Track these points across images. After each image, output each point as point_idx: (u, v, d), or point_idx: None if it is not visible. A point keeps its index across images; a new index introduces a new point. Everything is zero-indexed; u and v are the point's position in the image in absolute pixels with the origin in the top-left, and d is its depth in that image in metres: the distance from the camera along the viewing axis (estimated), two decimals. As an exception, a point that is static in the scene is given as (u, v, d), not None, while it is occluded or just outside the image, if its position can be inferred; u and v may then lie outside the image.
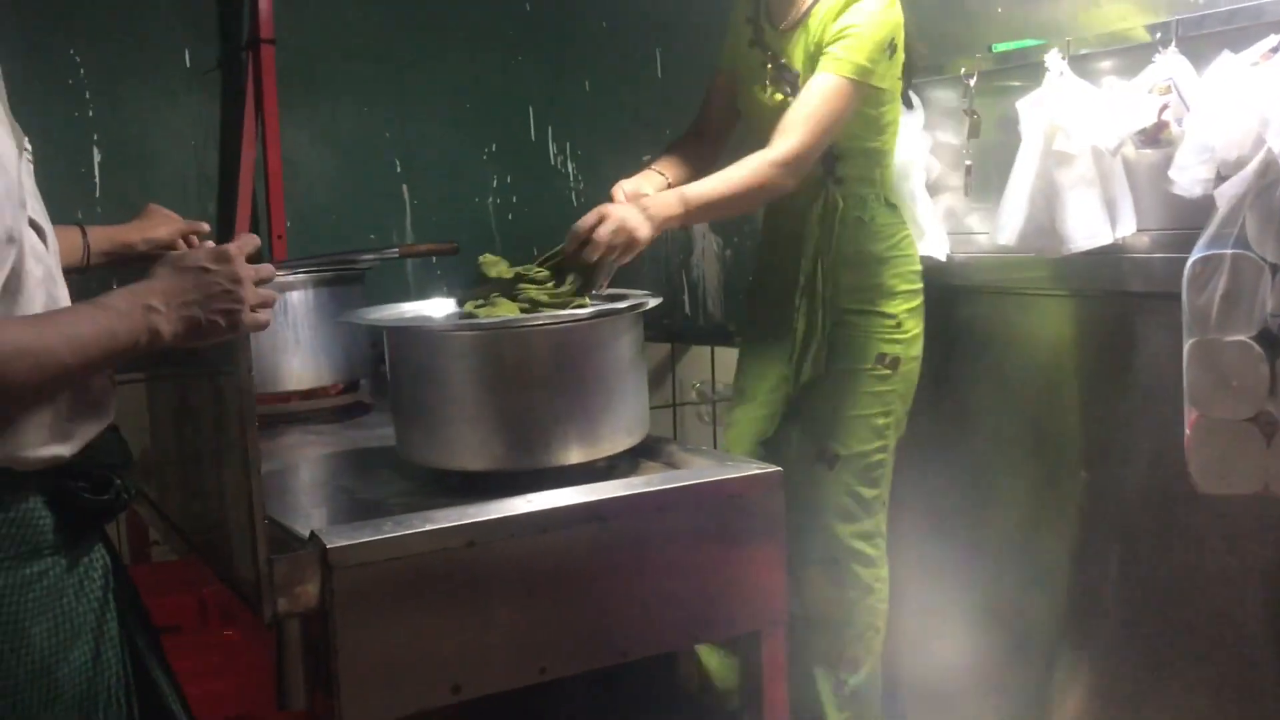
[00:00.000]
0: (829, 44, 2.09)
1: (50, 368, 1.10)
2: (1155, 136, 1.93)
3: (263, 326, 1.27)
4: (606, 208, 1.91)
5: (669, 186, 2.15)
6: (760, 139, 2.15)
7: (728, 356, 2.92)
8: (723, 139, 2.39)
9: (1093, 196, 2.05)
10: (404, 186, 2.99)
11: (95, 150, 2.63)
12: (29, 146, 1.27)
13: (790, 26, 2.19)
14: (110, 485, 1.24)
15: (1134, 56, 2.00)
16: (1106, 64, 2.09)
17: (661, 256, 3.30)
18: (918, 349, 2.27)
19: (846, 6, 2.09)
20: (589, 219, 1.88)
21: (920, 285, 2.28)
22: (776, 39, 2.22)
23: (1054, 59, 2.07)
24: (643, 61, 3.27)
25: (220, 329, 1.23)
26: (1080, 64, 2.08)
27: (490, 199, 3.11)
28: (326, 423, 2.35)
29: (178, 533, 1.95)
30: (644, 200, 1.96)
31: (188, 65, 2.77)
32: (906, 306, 2.23)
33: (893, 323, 2.22)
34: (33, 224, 1.23)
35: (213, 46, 2.80)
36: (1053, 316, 2.28)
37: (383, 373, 2.59)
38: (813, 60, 2.13)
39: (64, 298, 1.26)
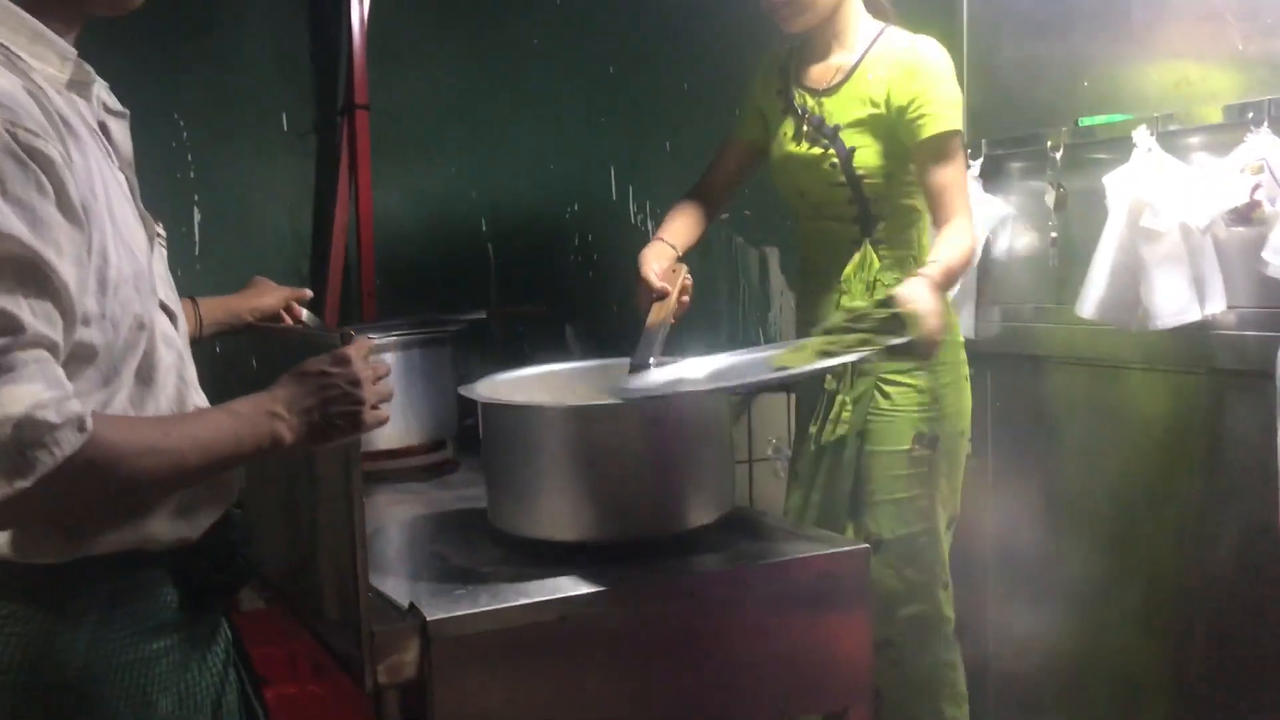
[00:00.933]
0: (914, 103, 2.07)
1: (175, 468, 1.14)
2: (1247, 216, 1.93)
3: (383, 422, 1.32)
4: (925, 291, 1.84)
5: (679, 258, 2.16)
6: (793, 184, 2.22)
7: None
8: (724, 204, 2.41)
9: (1181, 273, 2.05)
10: (489, 245, 3.05)
11: (195, 210, 2.74)
12: (162, 233, 1.34)
13: (830, 88, 2.19)
14: (233, 563, 1.29)
15: (1224, 135, 2.00)
16: (1195, 140, 2.09)
17: (739, 313, 3.34)
18: (962, 424, 2.21)
19: (916, 65, 2.08)
20: (918, 294, 1.82)
21: (962, 357, 2.22)
22: (811, 99, 2.22)
23: (1143, 135, 2.08)
24: (722, 122, 3.30)
25: (342, 430, 1.27)
26: (1169, 140, 2.09)
27: (571, 257, 3.17)
28: (415, 481, 2.40)
29: (267, 582, 2.00)
30: (926, 289, 1.87)
31: (285, 128, 2.86)
32: (945, 380, 2.18)
33: (928, 398, 2.16)
34: (164, 308, 1.29)
35: (309, 109, 2.89)
36: (1139, 390, 2.27)
37: (468, 428, 2.65)
38: (877, 122, 2.12)
39: (194, 380, 1.32)
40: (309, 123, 2.88)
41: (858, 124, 2.14)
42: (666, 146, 3.27)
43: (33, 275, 1.04)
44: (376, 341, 2.37)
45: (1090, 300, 2.18)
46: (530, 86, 3.11)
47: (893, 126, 2.11)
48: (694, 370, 1.92)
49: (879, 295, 2.13)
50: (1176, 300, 2.05)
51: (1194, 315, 2.05)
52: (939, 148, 2.06)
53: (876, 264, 2.17)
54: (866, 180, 2.14)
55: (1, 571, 1.13)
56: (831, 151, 2.16)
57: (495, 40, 3.06)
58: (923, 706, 2.24)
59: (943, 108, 2.07)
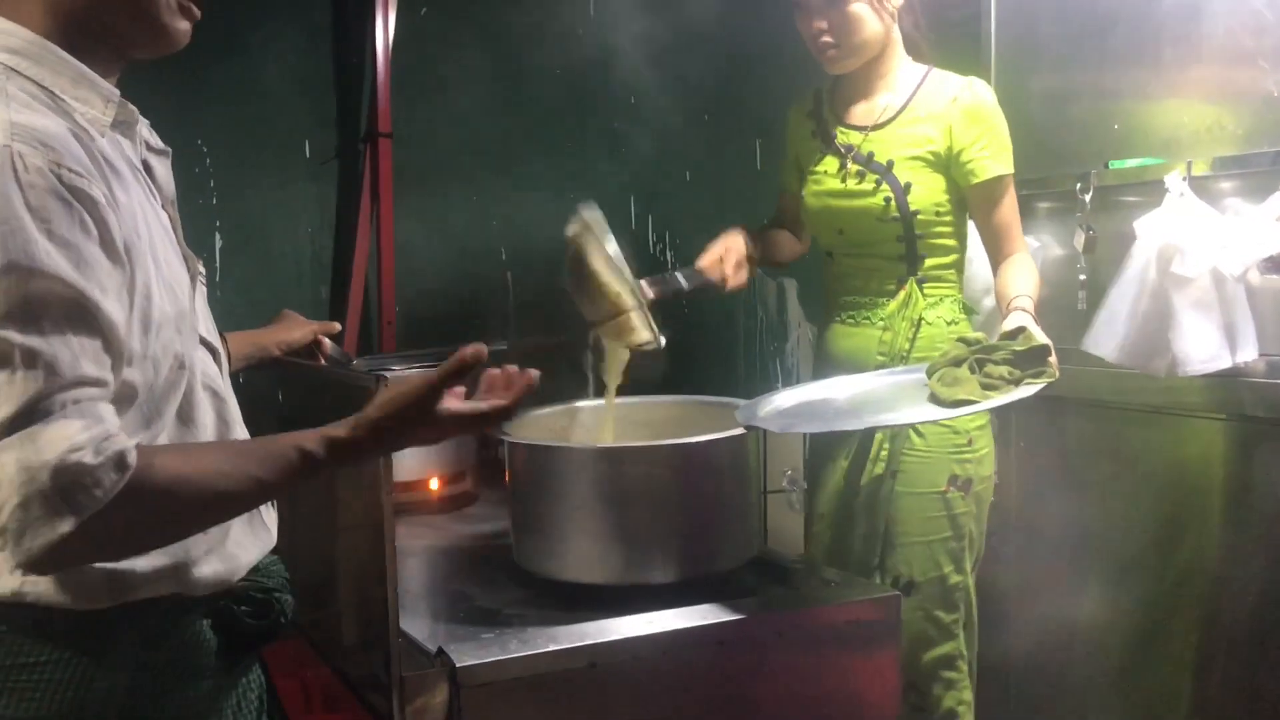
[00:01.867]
0: (973, 145, 2.11)
1: (223, 492, 1.12)
2: (1281, 264, 1.92)
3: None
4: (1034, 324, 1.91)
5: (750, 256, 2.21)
6: (831, 222, 2.23)
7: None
8: (805, 240, 2.46)
9: (1211, 320, 2.03)
10: (509, 275, 3.05)
11: (218, 235, 2.74)
12: (203, 270, 1.33)
13: (878, 125, 2.19)
14: (271, 609, 1.28)
15: (1258, 180, 1.99)
16: (1228, 186, 2.08)
17: (757, 344, 3.33)
18: (989, 468, 2.21)
19: (978, 108, 2.12)
20: (1029, 333, 1.86)
21: None
22: (856, 135, 2.22)
23: (1175, 180, 2.07)
24: (742, 153, 3.32)
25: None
26: (1201, 185, 2.07)
27: (591, 287, 3.16)
28: (435, 514, 2.39)
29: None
30: (1023, 313, 1.97)
31: (307, 155, 2.86)
32: (977, 423, 2.17)
33: (963, 440, 2.15)
34: (207, 344, 1.28)
35: (331, 136, 2.89)
36: (1167, 436, 2.25)
37: (487, 459, 2.64)
38: (934, 160, 2.13)
39: (236, 419, 1.31)
40: (331, 150, 2.88)
41: (913, 160, 2.15)
42: (687, 176, 3.27)
43: (79, 315, 1.04)
44: (398, 371, 2.36)
45: (1115, 344, 2.16)
46: (551, 116, 3.11)
47: (947, 166, 2.14)
48: (826, 394, 1.95)
49: (926, 335, 2.16)
50: (1207, 347, 2.04)
51: (1224, 363, 2.03)
52: (998, 189, 2.12)
53: (921, 302, 2.18)
54: (919, 217, 2.15)
55: (40, 617, 1.12)
56: (885, 187, 2.16)
57: (517, 70, 3.06)
58: None
59: (1002, 151, 2.12)
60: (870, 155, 2.18)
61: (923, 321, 2.17)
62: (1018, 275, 2.09)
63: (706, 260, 2.15)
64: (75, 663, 1.12)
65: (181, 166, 1.22)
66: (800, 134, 2.34)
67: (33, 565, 1.03)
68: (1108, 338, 2.17)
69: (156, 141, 1.29)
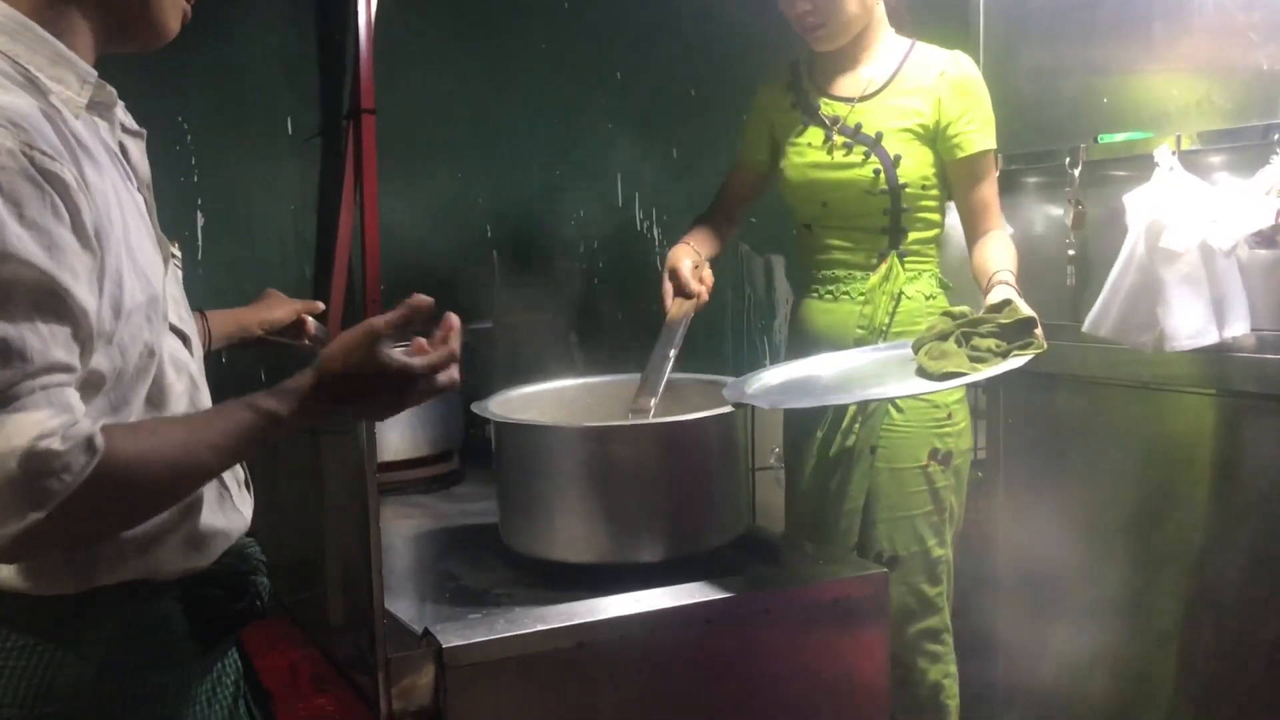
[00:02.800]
0: (960, 119, 2.10)
1: (191, 463, 1.10)
2: (1272, 238, 1.91)
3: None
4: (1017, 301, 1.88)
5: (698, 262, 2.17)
6: (814, 194, 2.20)
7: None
8: (738, 226, 2.43)
9: (1200, 295, 2.03)
10: (494, 252, 3.02)
11: (199, 214, 2.70)
12: (177, 254, 1.31)
13: (865, 97, 2.17)
14: (245, 592, 1.26)
15: (1248, 155, 1.98)
16: (1218, 160, 2.07)
17: (745, 320, 3.31)
18: (968, 441, 2.22)
19: (964, 82, 2.12)
20: (1014, 305, 1.84)
21: None
22: (842, 107, 2.19)
23: (1164, 154, 2.06)
24: (728, 129, 3.28)
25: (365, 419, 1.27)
26: (1191, 159, 2.06)
27: (577, 264, 3.14)
28: (421, 493, 2.38)
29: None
30: (1007, 287, 1.96)
31: (290, 132, 2.82)
32: (955, 397, 2.18)
33: (943, 414, 2.16)
34: (178, 331, 1.26)
35: (314, 113, 2.85)
36: (1154, 411, 2.25)
37: (473, 438, 2.63)
38: (922, 133, 2.13)
39: (207, 405, 1.28)
40: (314, 127, 2.84)
41: (903, 133, 2.14)
42: (673, 153, 3.24)
43: (50, 300, 1.01)
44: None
45: (1105, 320, 2.16)
46: (537, 92, 3.08)
47: (934, 139, 2.13)
48: (813, 370, 1.94)
49: (905, 309, 2.15)
50: (1194, 322, 2.03)
51: (1212, 338, 2.03)
52: (982, 164, 2.12)
53: (902, 276, 2.17)
54: (907, 190, 2.14)
55: (10, 604, 1.10)
56: (874, 159, 2.14)
57: (502, 45, 3.03)
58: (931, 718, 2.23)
59: (986, 125, 2.12)
60: (858, 127, 2.16)
61: (902, 295, 2.16)
62: (997, 250, 2.09)
63: (670, 305, 2.10)
64: (41, 649, 1.11)
65: (162, 144, 1.21)
66: (777, 107, 2.31)
67: (5, 554, 1.01)
68: (1105, 316, 2.16)
69: (131, 123, 1.26)
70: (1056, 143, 2.34)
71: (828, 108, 2.21)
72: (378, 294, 2.84)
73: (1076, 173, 2.26)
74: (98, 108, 1.17)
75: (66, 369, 1.03)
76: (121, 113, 1.24)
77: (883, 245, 2.18)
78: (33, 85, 1.09)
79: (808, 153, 2.22)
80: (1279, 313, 1.99)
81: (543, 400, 2.02)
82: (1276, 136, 1.91)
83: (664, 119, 3.22)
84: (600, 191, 3.17)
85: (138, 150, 1.24)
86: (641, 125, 3.19)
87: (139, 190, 1.21)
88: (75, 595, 1.12)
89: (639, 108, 3.18)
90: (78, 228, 1.04)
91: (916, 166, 2.13)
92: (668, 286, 2.12)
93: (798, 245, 2.34)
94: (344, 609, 1.77)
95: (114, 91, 1.19)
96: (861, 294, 2.19)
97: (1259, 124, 1.96)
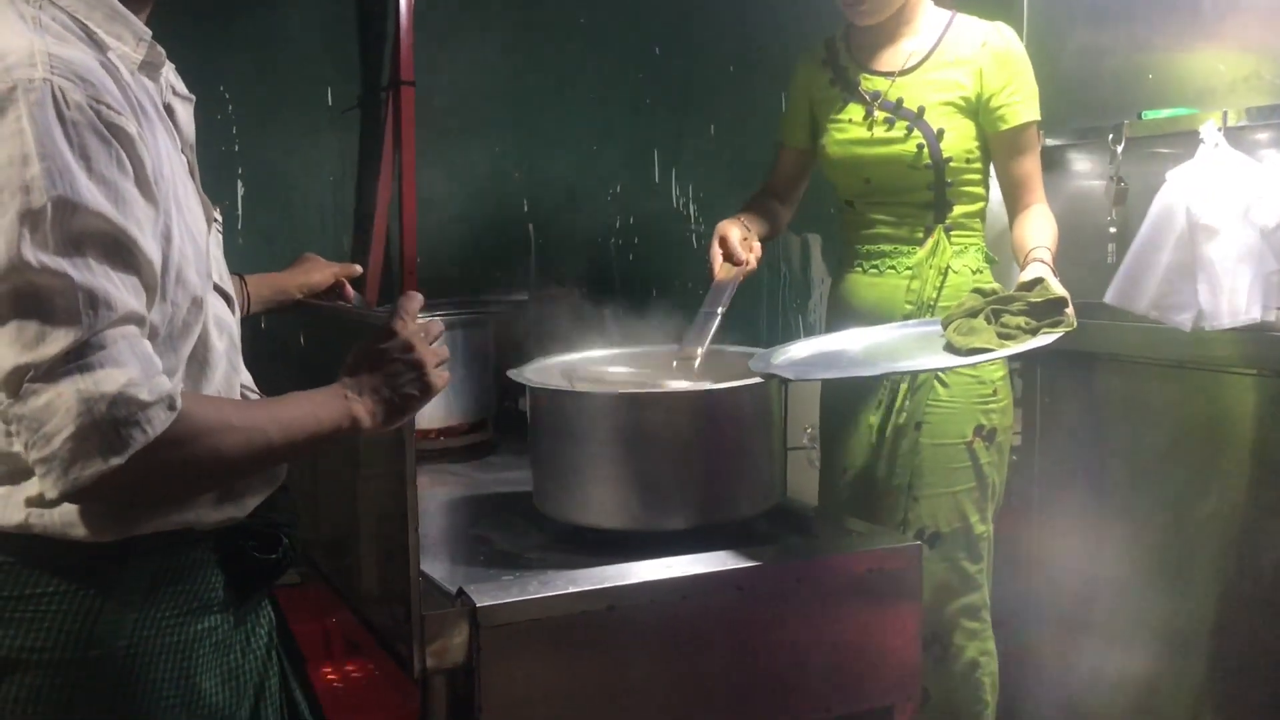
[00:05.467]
0: (1003, 91, 2.09)
1: (260, 447, 1.13)
2: (1317, 216, 1.88)
3: (446, 383, 1.30)
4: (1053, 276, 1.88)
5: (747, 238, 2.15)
6: (857, 170, 2.18)
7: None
8: (792, 204, 2.41)
9: (1243, 273, 2.00)
10: (530, 226, 3.03)
11: (239, 183, 2.73)
12: (219, 217, 1.32)
13: (905, 71, 2.16)
14: (279, 544, 1.28)
15: (1296, 131, 1.95)
16: (1264, 137, 2.04)
17: (780, 299, 3.30)
18: (1011, 418, 2.22)
19: (1007, 54, 2.10)
20: (1046, 284, 1.84)
21: None
22: (882, 82, 2.18)
23: (1210, 130, 2.03)
24: (767, 106, 3.27)
25: (415, 400, 1.27)
26: (1237, 136, 2.03)
27: (612, 240, 3.15)
28: (456, 462, 2.39)
29: (303, 557, 1.99)
30: (1041, 264, 1.96)
31: (329, 103, 2.85)
32: (1000, 374, 2.17)
33: (989, 390, 2.15)
34: (221, 291, 1.28)
35: (354, 85, 2.87)
36: (1196, 392, 2.22)
37: (508, 408, 2.64)
38: (965, 106, 2.11)
39: (241, 366, 1.31)
40: (354, 98, 2.87)
41: (945, 106, 2.12)
42: (711, 130, 3.24)
43: (119, 251, 1.04)
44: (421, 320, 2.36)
45: (1141, 297, 2.14)
46: (575, 67, 3.08)
47: (976, 111, 2.12)
48: (841, 345, 1.93)
49: (953, 283, 2.14)
50: (1238, 301, 2.00)
51: (1254, 316, 2.00)
52: (1026, 136, 2.11)
53: (949, 251, 2.16)
54: (951, 164, 2.13)
55: (49, 550, 1.12)
56: (917, 133, 2.13)
57: (542, 20, 3.03)
58: (966, 697, 2.22)
59: (1030, 97, 2.10)
60: (899, 101, 2.15)
61: (949, 270, 2.15)
62: (1037, 226, 2.07)
63: (718, 269, 2.09)
64: (83, 595, 1.13)
65: (204, 114, 1.22)
66: (816, 84, 2.29)
67: (76, 495, 1.03)
68: (1138, 295, 2.14)
69: (181, 87, 1.28)
70: (1100, 119, 2.31)
71: (868, 83, 2.19)
72: (414, 265, 2.86)
73: (1119, 149, 2.24)
74: (147, 68, 1.18)
75: (140, 320, 1.06)
76: (173, 76, 1.26)
77: (928, 220, 2.17)
78: (91, 40, 1.11)
79: (849, 129, 2.21)
80: (1326, 292, 1.96)
81: (578, 368, 2.02)
82: (1325, 112, 1.88)
83: (702, 94, 3.22)
84: (637, 167, 3.17)
85: (186, 113, 1.26)
86: (680, 101, 3.19)
87: (183, 151, 1.23)
88: (116, 543, 1.14)
89: (677, 83, 3.18)
90: (140, 181, 1.07)
91: (960, 140, 2.12)
92: (716, 251, 2.10)
93: (840, 221, 2.33)
94: (379, 571, 1.78)
95: (163, 52, 1.20)
96: (908, 268, 2.18)
97: (1308, 99, 1.93)
